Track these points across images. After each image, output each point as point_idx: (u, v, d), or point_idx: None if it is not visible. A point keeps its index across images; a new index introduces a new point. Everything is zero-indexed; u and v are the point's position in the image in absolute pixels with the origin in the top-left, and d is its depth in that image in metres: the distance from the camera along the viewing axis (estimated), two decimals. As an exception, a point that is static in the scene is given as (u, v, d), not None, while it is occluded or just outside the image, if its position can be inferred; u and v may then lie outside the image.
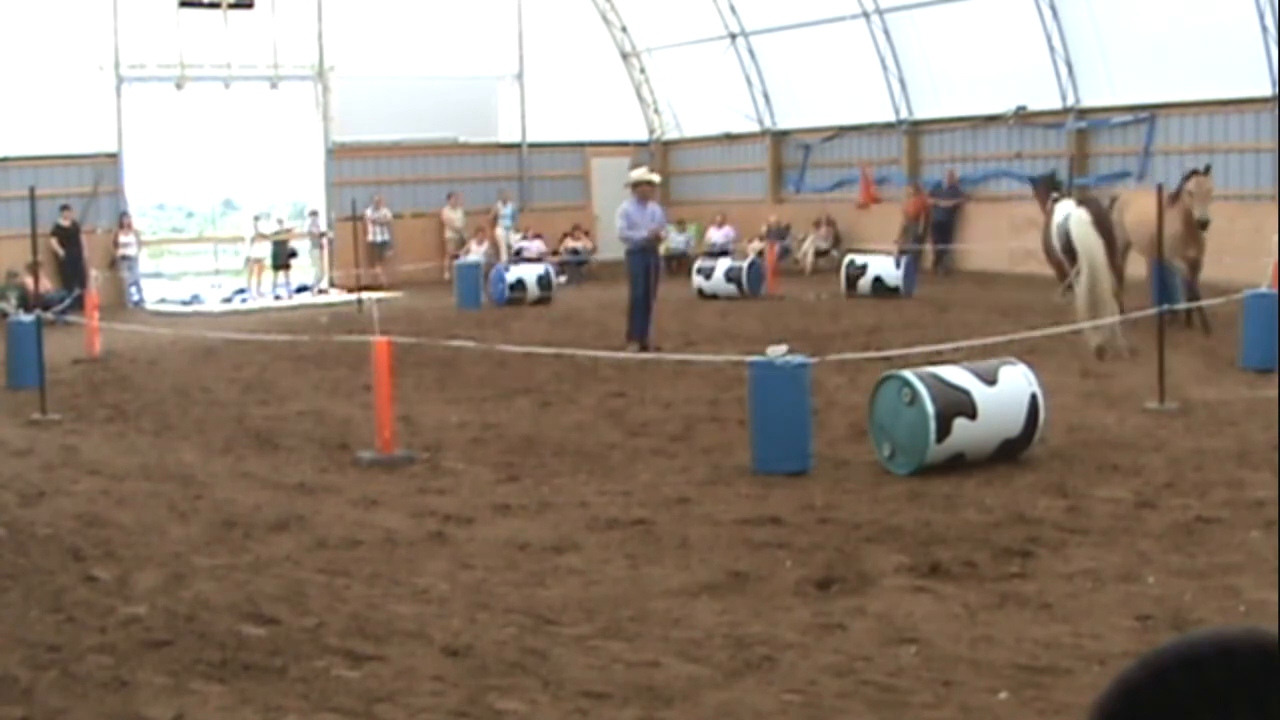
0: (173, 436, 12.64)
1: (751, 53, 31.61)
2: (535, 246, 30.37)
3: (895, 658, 6.17)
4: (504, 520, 9.08)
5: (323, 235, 30.37)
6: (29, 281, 20.96)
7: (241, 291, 28.79)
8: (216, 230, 34.99)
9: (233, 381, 16.01)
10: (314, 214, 30.81)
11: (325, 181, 30.98)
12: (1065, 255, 16.56)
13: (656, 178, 18.70)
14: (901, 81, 28.89)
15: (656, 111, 34.29)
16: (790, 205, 31.70)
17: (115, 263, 27.71)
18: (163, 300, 28.19)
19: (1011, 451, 10.13)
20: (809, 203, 31.08)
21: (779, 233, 29.98)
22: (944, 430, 9.71)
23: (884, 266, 23.81)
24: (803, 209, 30.96)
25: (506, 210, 31.55)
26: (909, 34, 28.34)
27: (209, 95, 29.82)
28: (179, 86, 29.22)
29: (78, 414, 13.95)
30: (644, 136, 34.29)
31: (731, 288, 24.55)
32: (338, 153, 31.04)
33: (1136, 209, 17.49)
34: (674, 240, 27.50)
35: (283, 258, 29.34)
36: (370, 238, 29.92)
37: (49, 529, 9.08)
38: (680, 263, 29.49)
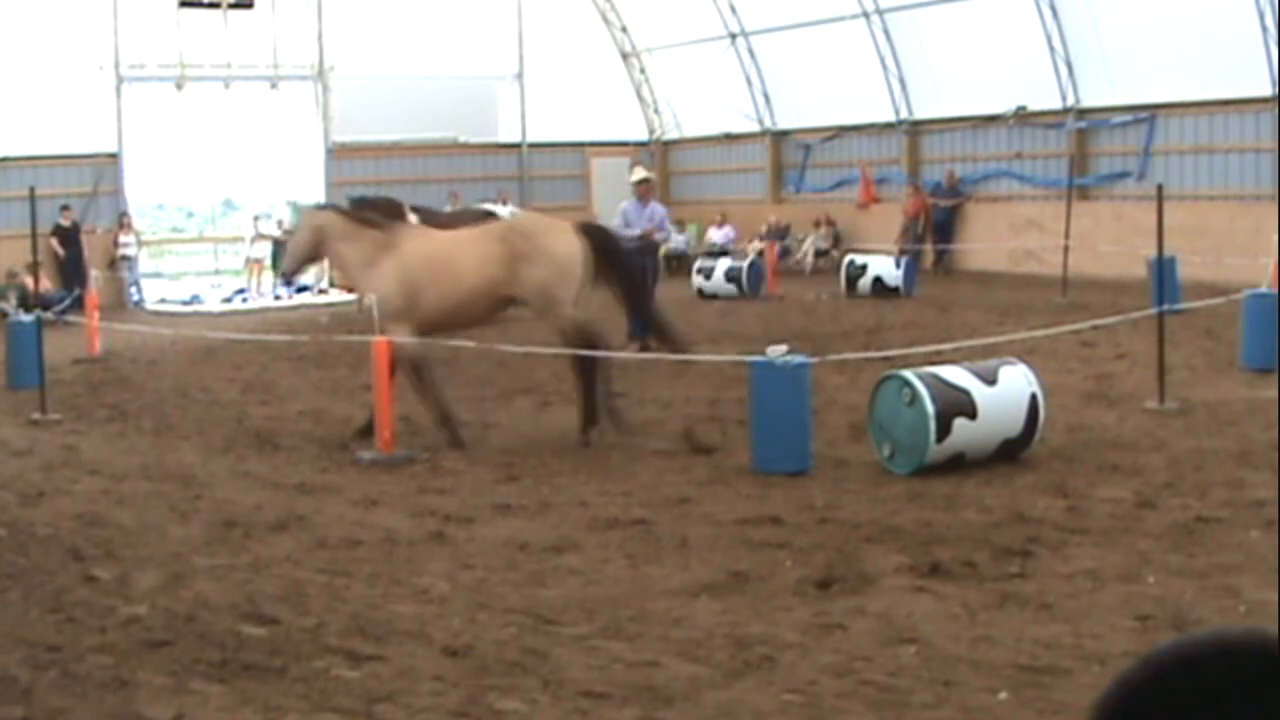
0: (173, 436, 12.64)
1: (751, 53, 31.61)
2: (535, 246, 30.33)
3: (895, 658, 6.17)
4: (504, 520, 9.08)
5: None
6: (29, 281, 20.97)
7: (241, 291, 28.79)
8: (216, 230, 35.02)
9: (233, 381, 16.01)
10: (314, 214, 30.78)
11: (325, 181, 30.98)
12: None
13: (642, 174, 18.66)
14: (901, 81, 28.90)
15: (656, 111, 34.29)
16: (790, 205, 31.71)
17: (115, 263, 27.71)
18: (163, 300, 28.19)
19: (1011, 451, 10.13)
20: (809, 203, 31.09)
21: (779, 233, 29.98)
22: (944, 430, 9.71)
23: (884, 266, 23.81)
24: (803, 209, 30.96)
25: (506, 210, 31.52)
26: (909, 34, 28.34)
27: (209, 95, 29.84)
28: (179, 86, 29.22)
29: (78, 414, 13.95)
30: (644, 136, 34.29)
31: (731, 288, 24.55)
32: (338, 153, 31.05)
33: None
34: (674, 240, 27.48)
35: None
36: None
37: (49, 529, 9.08)
38: (680, 263, 29.50)
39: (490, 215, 21.71)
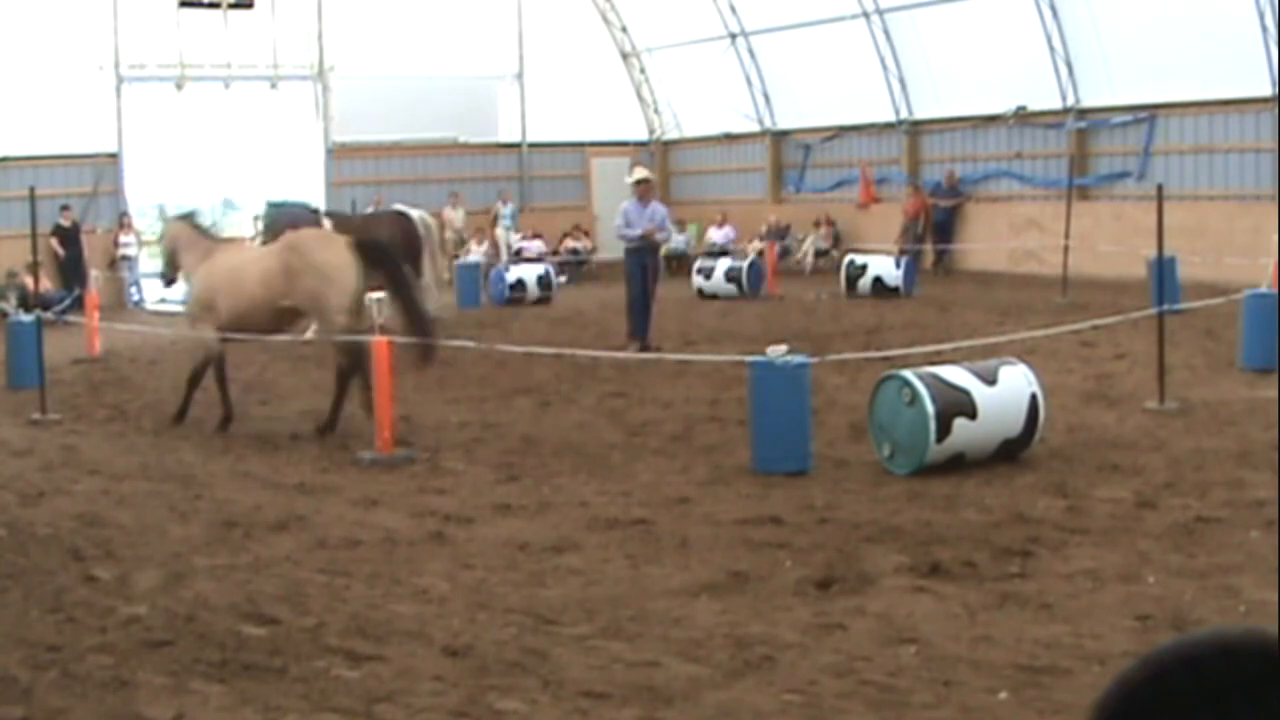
0: (173, 436, 12.64)
1: (751, 53, 31.61)
2: (535, 246, 30.37)
3: (895, 658, 6.17)
4: (504, 520, 9.08)
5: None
6: (29, 281, 20.97)
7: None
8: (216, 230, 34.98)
9: (233, 381, 15.98)
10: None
11: (325, 181, 30.98)
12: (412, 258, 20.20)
13: (641, 174, 18.66)
14: (901, 81, 28.90)
15: (656, 111, 34.29)
16: (790, 205, 31.71)
17: (115, 263, 27.71)
18: (163, 300, 28.15)
19: (1011, 451, 10.13)
20: (809, 203, 31.09)
21: (779, 233, 29.98)
22: (944, 430, 9.71)
23: (884, 266, 23.81)
24: (803, 209, 30.96)
25: (506, 210, 31.55)
26: (909, 34, 28.34)
27: (209, 95, 29.83)
28: (179, 86, 29.22)
29: (78, 414, 13.95)
30: (644, 136, 34.29)
31: (731, 288, 24.55)
32: (338, 153, 31.05)
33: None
34: (674, 240, 27.54)
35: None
36: (370, 238, 29.93)
37: (49, 529, 9.08)
38: (680, 263, 29.50)
39: (403, 216, 21.84)
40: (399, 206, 23.39)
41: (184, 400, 13.24)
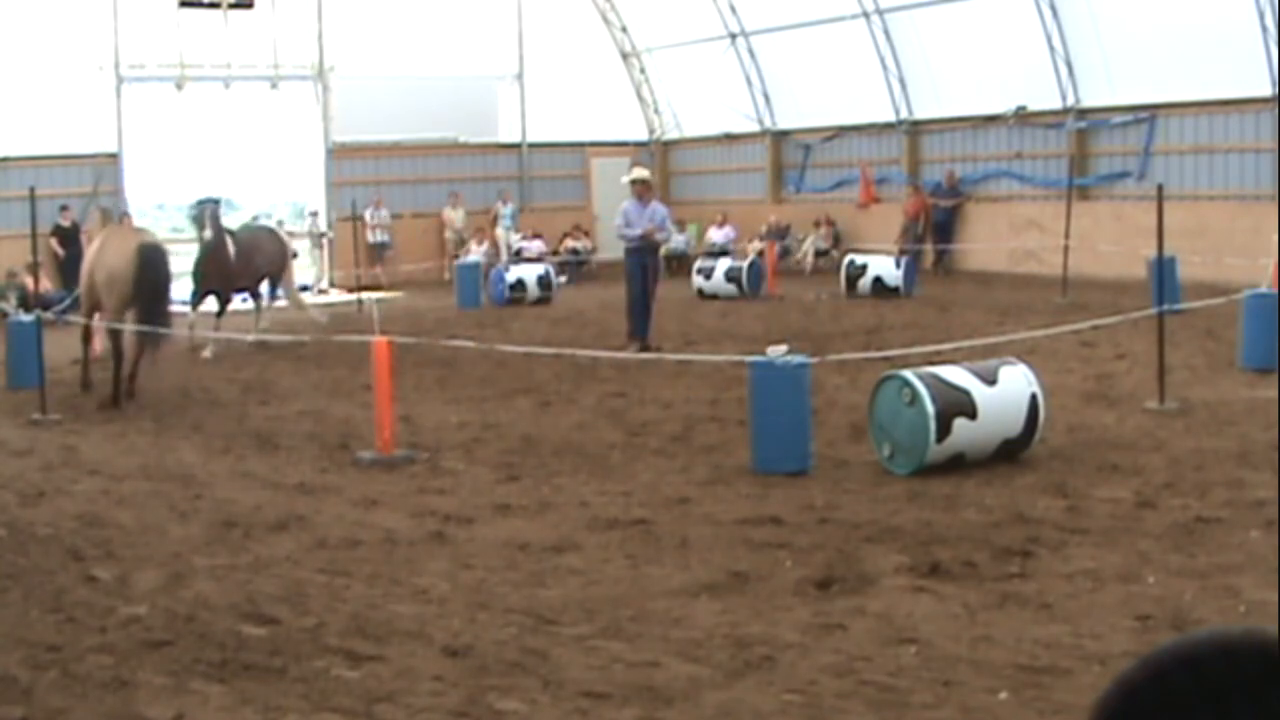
0: (173, 436, 12.64)
1: (751, 53, 31.61)
2: (535, 246, 30.37)
3: (895, 658, 6.17)
4: (504, 520, 9.08)
5: (323, 235, 30.36)
6: (29, 281, 20.96)
7: (241, 291, 28.71)
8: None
9: (232, 381, 16.02)
10: (314, 214, 30.80)
11: (325, 181, 30.98)
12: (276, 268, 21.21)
13: (645, 173, 18.68)
14: (901, 81, 28.90)
15: (656, 111, 34.29)
16: (790, 205, 31.71)
17: (115, 263, 27.70)
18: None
19: (1011, 451, 10.13)
20: (809, 203, 31.09)
21: (779, 233, 29.97)
22: (944, 430, 9.71)
23: (884, 266, 23.81)
24: (803, 209, 30.97)
25: (506, 210, 31.55)
26: (909, 34, 28.34)
27: (209, 95, 29.84)
28: (179, 86, 29.22)
29: (77, 414, 13.96)
30: (644, 136, 34.28)
31: (731, 288, 24.55)
32: (338, 153, 31.05)
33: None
34: (674, 240, 27.53)
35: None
36: (369, 239, 29.94)
37: (49, 529, 9.08)
38: (680, 263, 29.50)
39: (276, 235, 22.02)
40: (270, 225, 24.14)
41: (83, 378, 15.41)
